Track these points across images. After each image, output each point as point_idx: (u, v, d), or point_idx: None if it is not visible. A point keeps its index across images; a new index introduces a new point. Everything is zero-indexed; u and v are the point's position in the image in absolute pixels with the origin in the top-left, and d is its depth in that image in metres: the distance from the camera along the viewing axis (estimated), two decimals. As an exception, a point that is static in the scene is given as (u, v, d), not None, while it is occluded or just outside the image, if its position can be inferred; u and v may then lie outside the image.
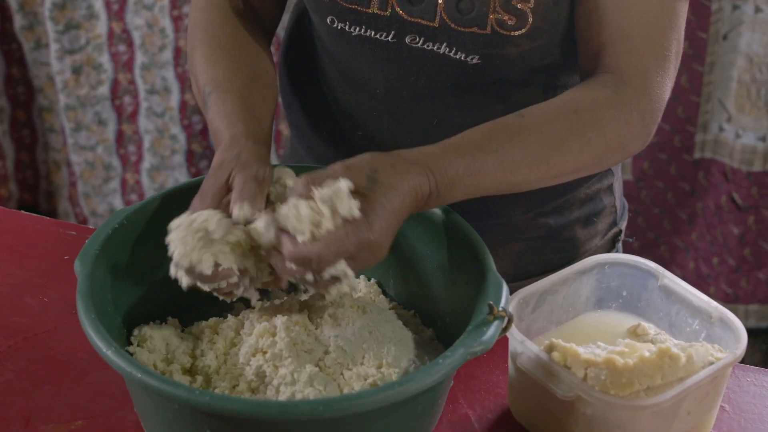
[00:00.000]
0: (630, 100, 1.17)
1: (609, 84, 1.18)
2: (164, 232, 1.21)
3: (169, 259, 1.22)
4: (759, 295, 2.67)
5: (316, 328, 1.15)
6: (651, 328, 1.21)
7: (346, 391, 1.10)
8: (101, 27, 2.66)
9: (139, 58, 2.70)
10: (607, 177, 1.43)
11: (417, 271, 1.26)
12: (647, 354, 1.08)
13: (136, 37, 2.68)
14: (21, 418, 1.17)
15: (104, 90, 2.73)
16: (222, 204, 1.11)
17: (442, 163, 1.09)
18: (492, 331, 1.06)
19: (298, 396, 1.07)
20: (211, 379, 1.13)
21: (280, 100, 1.49)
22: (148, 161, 2.82)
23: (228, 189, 1.12)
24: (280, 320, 1.13)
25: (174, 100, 2.75)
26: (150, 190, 2.85)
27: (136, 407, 1.13)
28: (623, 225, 1.51)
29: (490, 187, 1.13)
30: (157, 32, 2.66)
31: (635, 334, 1.21)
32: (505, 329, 1.08)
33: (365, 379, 1.11)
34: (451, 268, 1.21)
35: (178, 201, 1.22)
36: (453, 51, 1.24)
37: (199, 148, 2.81)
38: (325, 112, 1.37)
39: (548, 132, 1.14)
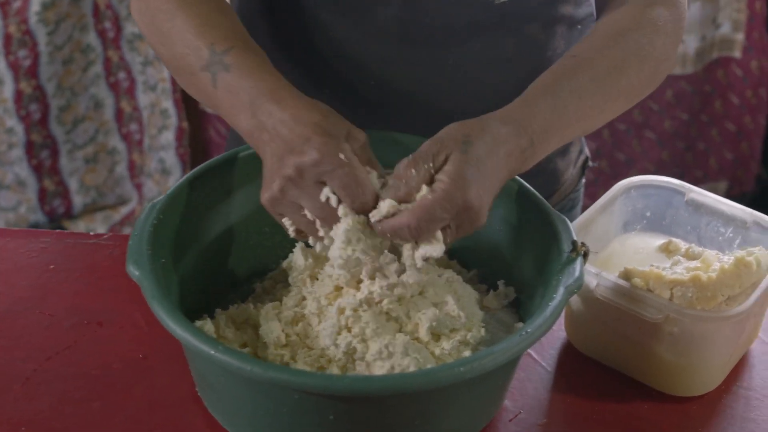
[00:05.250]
0: (662, 12, 1.19)
1: (636, 2, 1.20)
2: (197, 221, 1.16)
3: (206, 250, 1.17)
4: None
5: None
6: (681, 243, 1.25)
7: (437, 353, 1.08)
8: None
9: (-40, 52, 2.51)
10: None
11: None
12: (726, 266, 1.12)
13: (-48, 30, 2.50)
14: (84, 442, 1.09)
15: (-77, 91, 2.52)
16: None
17: (528, 112, 1.08)
18: (581, 267, 1.07)
19: (398, 368, 1.05)
20: (289, 365, 1.08)
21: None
22: (-19, 160, 2.64)
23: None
24: (355, 293, 1.10)
25: (7, 91, 2.57)
26: (-13, 190, 2.67)
27: (223, 407, 1.07)
28: (587, 151, 1.54)
29: (575, 127, 1.12)
30: (-20, 22, 2.48)
31: (667, 250, 1.25)
32: (584, 262, 1.09)
33: (452, 339, 1.09)
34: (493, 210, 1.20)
35: (202, 185, 1.17)
36: None
37: (39, 138, 2.65)
38: (326, 66, 1.31)
39: (608, 59, 1.15)
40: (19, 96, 2.58)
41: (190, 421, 1.11)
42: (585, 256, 1.09)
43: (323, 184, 1.03)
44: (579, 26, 1.32)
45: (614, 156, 2.73)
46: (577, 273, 1.06)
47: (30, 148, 2.65)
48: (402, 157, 1.21)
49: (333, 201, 1.03)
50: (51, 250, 1.34)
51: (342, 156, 1.02)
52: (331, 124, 1.04)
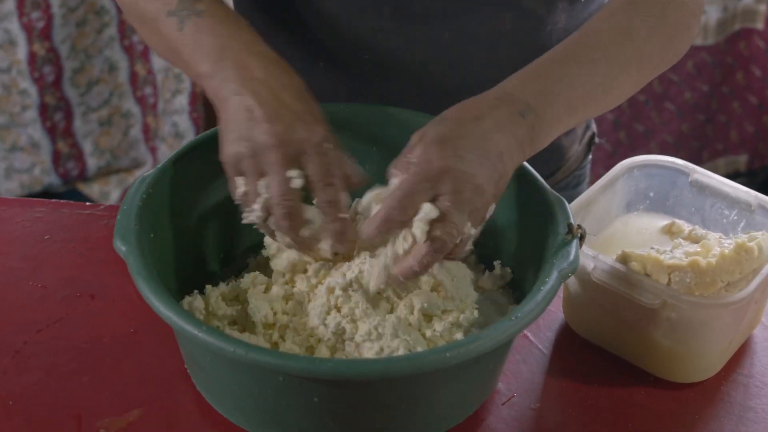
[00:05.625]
0: None
1: None
2: (188, 195, 1.15)
3: (198, 224, 1.16)
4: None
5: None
6: (684, 225, 1.22)
7: (429, 335, 1.06)
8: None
9: (-26, 12, 2.50)
10: None
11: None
12: (726, 251, 1.09)
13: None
14: (71, 417, 1.08)
15: (-63, 51, 2.52)
16: None
17: (519, 81, 1.05)
18: (575, 250, 1.05)
19: (386, 350, 1.03)
20: (277, 345, 1.07)
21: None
22: (-6, 121, 2.63)
23: None
24: (345, 273, 1.08)
25: (21, 52, 2.56)
26: (1, 150, 2.65)
27: (210, 386, 1.06)
28: (594, 127, 1.51)
29: (584, 98, 1.08)
30: (-6, -18, 2.46)
31: (670, 232, 1.22)
32: (580, 245, 1.07)
33: (444, 320, 1.07)
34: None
35: (194, 159, 1.15)
36: None
37: (53, 100, 2.64)
38: (320, 39, 1.28)
39: (612, 28, 1.10)
40: (32, 58, 2.57)
41: (178, 398, 1.10)
42: (581, 238, 1.07)
43: (295, 163, 1.01)
44: (582, 0, 1.29)
45: (633, 127, 2.69)
46: (571, 256, 1.04)
47: (44, 110, 2.64)
48: (397, 133, 1.19)
49: (295, 183, 1.01)
50: (46, 220, 1.33)
51: (326, 146, 1.01)
52: (316, 108, 1.03)
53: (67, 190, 2.76)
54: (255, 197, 1.03)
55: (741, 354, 1.17)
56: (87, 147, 2.73)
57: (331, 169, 1.01)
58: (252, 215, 1.05)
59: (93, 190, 2.77)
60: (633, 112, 2.67)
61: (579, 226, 1.06)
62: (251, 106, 1.02)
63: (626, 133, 2.69)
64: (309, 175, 1.01)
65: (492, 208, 1.03)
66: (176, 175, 1.13)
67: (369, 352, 1.03)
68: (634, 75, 1.13)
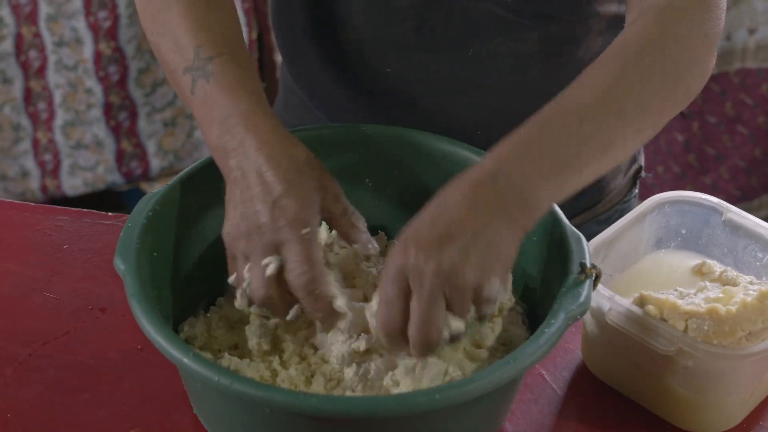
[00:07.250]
0: (686, 21, 1.04)
1: (656, 8, 1.04)
2: (195, 215, 1.12)
3: (200, 246, 1.13)
4: (705, 200, 2.68)
5: None
6: (716, 266, 1.17)
7: (449, 369, 1.02)
8: (-3, -21, 2.48)
9: (44, 9, 2.52)
10: None
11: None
12: (749, 299, 1.03)
13: (40, -14, 2.51)
14: (66, 434, 1.07)
15: (7, 46, 2.53)
16: None
17: (498, 148, 0.97)
18: (587, 291, 1.00)
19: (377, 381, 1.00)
20: (276, 373, 1.04)
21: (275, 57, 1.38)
22: (61, 117, 2.65)
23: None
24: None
25: (87, 51, 2.57)
26: (65, 147, 2.68)
27: (204, 412, 1.04)
28: (642, 160, 1.45)
29: (571, 150, 0.97)
30: (63, -20, 2.49)
31: (700, 272, 1.17)
32: (594, 286, 1.02)
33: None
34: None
35: (205, 177, 1.13)
36: None
37: (118, 100, 2.65)
38: (342, 51, 1.26)
39: (598, 75, 1.00)
40: (98, 57, 2.58)
41: (176, 420, 1.08)
42: (596, 279, 1.02)
43: (274, 250, 0.98)
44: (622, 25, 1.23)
45: (703, 150, 2.61)
46: (582, 298, 0.99)
47: (108, 109, 2.66)
48: (414, 158, 1.16)
49: (269, 270, 0.97)
50: (67, 230, 1.32)
51: (306, 230, 0.97)
52: (305, 181, 0.99)
53: (131, 189, 2.78)
54: (241, 282, 1.01)
55: (765, 405, 1.11)
56: (151, 147, 2.74)
57: (308, 257, 0.96)
58: (237, 301, 1.02)
59: (156, 189, 2.78)
60: (704, 134, 2.59)
61: (593, 267, 1.02)
62: (240, 189, 1.01)
63: (696, 156, 2.61)
64: (284, 264, 0.97)
65: (491, 287, 0.95)
66: (186, 193, 1.11)
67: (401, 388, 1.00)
68: (635, 121, 1.01)
